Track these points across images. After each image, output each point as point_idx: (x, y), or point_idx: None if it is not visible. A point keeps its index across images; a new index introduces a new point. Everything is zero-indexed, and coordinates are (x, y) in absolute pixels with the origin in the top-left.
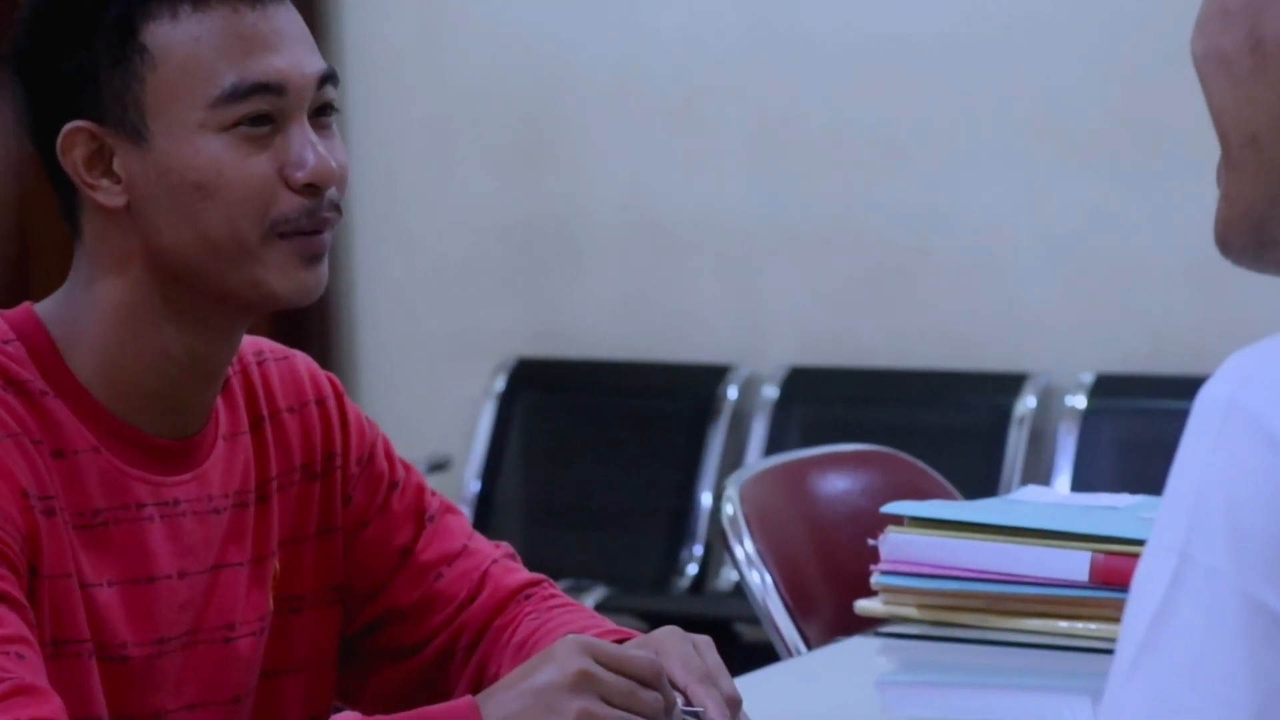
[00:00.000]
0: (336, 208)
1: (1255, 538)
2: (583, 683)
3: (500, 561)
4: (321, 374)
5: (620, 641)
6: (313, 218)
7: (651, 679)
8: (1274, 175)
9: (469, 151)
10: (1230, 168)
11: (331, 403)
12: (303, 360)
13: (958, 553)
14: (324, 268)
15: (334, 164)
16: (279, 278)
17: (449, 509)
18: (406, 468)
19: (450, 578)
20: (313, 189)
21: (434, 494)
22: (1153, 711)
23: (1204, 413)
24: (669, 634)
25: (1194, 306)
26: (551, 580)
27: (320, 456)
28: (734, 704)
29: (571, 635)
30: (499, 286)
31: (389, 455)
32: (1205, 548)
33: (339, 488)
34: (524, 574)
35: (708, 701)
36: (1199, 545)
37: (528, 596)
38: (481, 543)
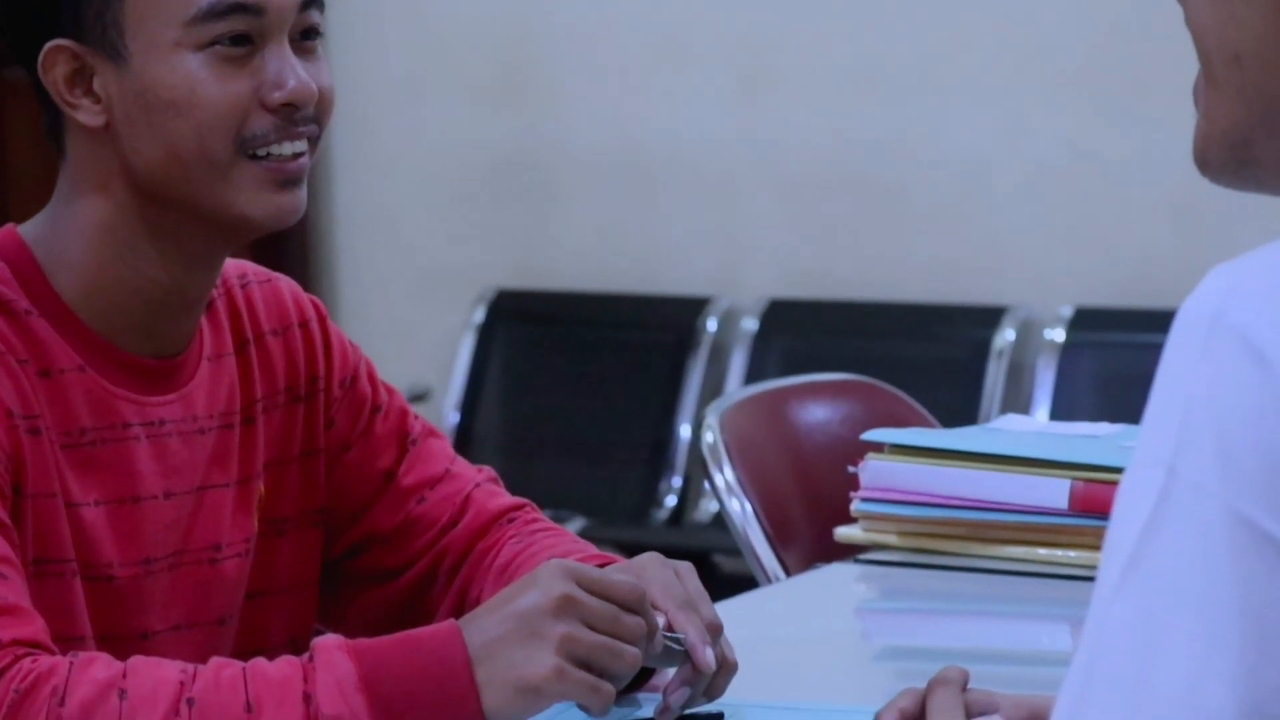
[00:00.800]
0: (316, 130)
1: (1243, 454)
2: (565, 607)
3: (483, 485)
4: (305, 297)
5: (602, 566)
6: (285, 133)
7: (634, 603)
8: (1256, 94)
9: (450, 83)
10: (1211, 87)
11: (315, 326)
12: (286, 283)
13: (938, 480)
14: (300, 193)
15: (313, 86)
16: (250, 200)
17: (431, 433)
18: (389, 391)
19: (432, 501)
20: (289, 109)
21: (416, 418)
22: (1138, 628)
23: (1189, 327)
24: (650, 559)
25: (1173, 240)
26: (534, 505)
27: (304, 379)
28: (715, 630)
29: (555, 560)
30: (479, 218)
31: (372, 379)
32: (1191, 463)
33: (322, 410)
34: (507, 498)
35: (688, 627)
36: (1185, 461)
37: (510, 520)
38: (464, 467)
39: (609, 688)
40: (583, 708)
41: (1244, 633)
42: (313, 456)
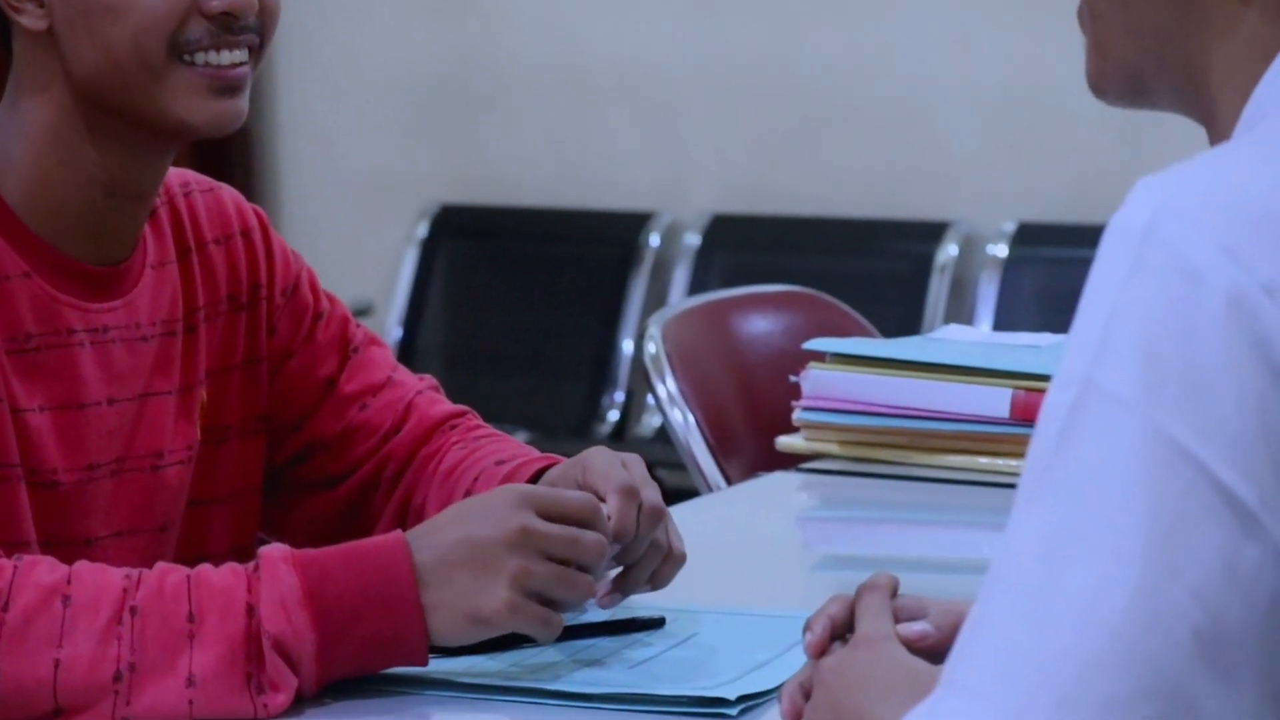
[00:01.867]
0: (258, 40)
1: (1168, 368)
2: (522, 539)
3: (425, 393)
4: (247, 206)
5: (548, 468)
6: (221, 41)
7: (589, 519)
8: (1143, 29)
9: None
10: (1098, 20)
11: (257, 235)
12: (229, 192)
13: (879, 389)
14: (240, 101)
15: None
16: (187, 106)
17: (373, 341)
18: (331, 300)
19: (375, 408)
20: (227, 17)
21: (358, 326)
22: (1047, 538)
23: (1118, 241)
24: (597, 451)
25: (1115, 155)
26: (475, 412)
27: (246, 287)
28: (656, 515)
29: (511, 485)
30: (423, 133)
31: (314, 287)
32: (1113, 375)
33: (264, 318)
34: (448, 405)
35: (617, 512)
36: (1105, 372)
37: (453, 427)
38: (405, 375)
39: (559, 620)
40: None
41: (1150, 546)
42: (255, 364)
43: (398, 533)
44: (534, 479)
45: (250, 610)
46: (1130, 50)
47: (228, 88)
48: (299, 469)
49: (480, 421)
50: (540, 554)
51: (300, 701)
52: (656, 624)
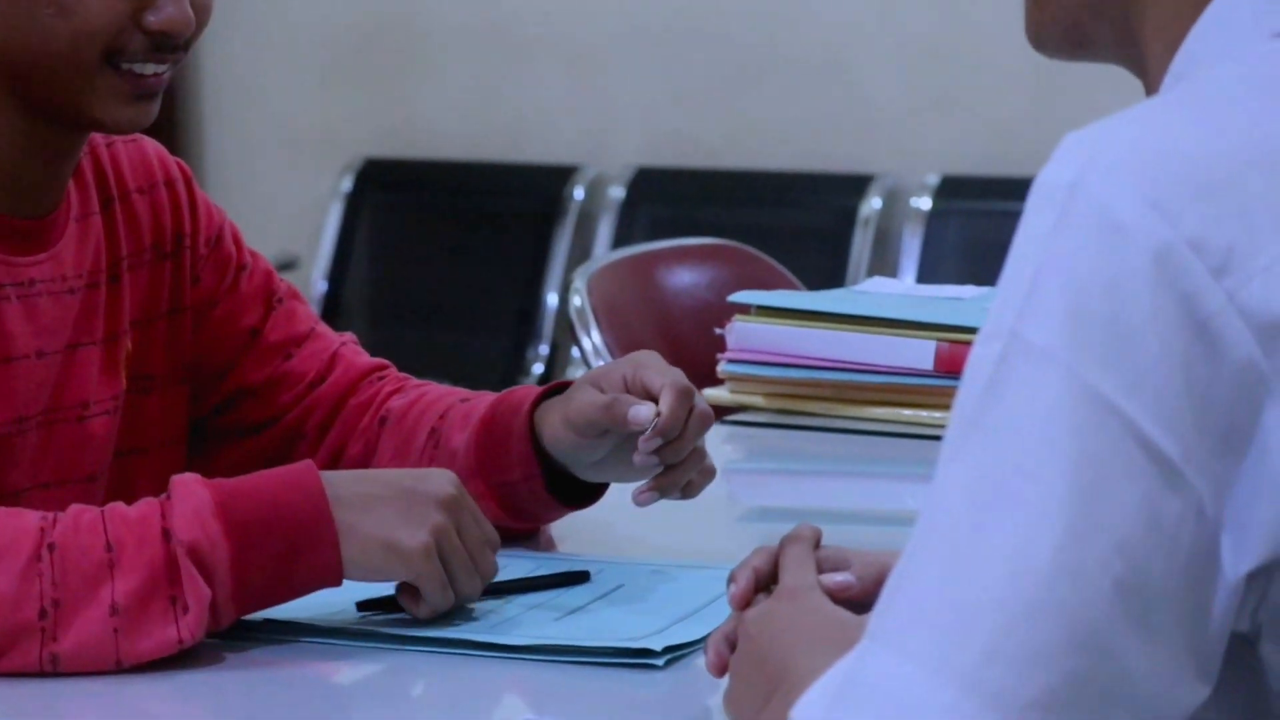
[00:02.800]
0: (184, 51)
1: (1094, 322)
2: (451, 505)
3: (348, 345)
4: (170, 158)
5: (546, 394)
6: (152, 57)
7: (497, 546)
8: None
9: None
10: None
11: (180, 185)
12: (151, 144)
13: (804, 341)
14: (155, 105)
15: (190, 17)
16: (106, 108)
17: (295, 295)
18: (254, 254)
19: (299, 357)
20: (163, 35)
21: (280, 280)
22: (972, 491)
23: (1044, 196)
24: (649, 353)
25: (1039, 108)
26: (394, 366)
27: (170, 236)
28: (706, 419)
29: (451, 473)
30: (347, 85)
31: (237, 240)
32: (1038, 328)
33: (188, 268)
34: (370, 358)
35: (669, 408)
36: (1031, 326)
37: (380, 377)
38: (327, 329)
39: (450, 598)
40: (408, 605)
41: (1074, 499)
42: (180, 314)
43: (307, 461)
44: (536, 403)
45: (166, 535)
46: (1068, 5)
47: (147, 93)
48: (223, 417)
49: (401, 374)
50: (457, 529)
51: (225, 652)
52: (582, 578)
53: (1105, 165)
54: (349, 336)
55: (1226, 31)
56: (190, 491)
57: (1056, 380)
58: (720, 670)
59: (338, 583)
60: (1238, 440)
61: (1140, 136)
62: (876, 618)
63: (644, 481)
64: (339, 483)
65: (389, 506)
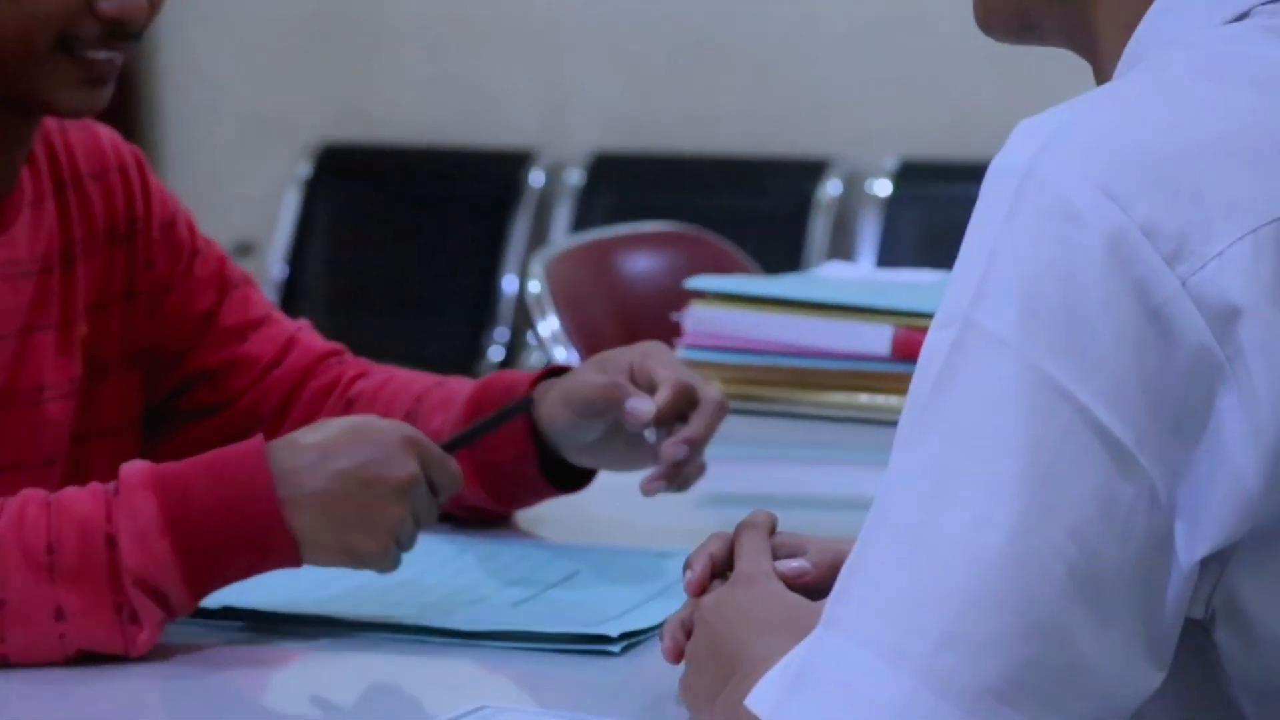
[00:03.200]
0: (137, 38)
1: (1048, 309)
2: (409, 493)
3: (304, 330)
4: (123, 143)
5: (543, 377)
6: (105, 44)
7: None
8: None
9: None
10: None
11: (133, 171)
12: (104, 129)
13: (761, 327)
14: (108, 90)
15: (143, 3)
16: (59, 92)
17: (249, 281)
18: (207, 241)
19: (255, 341)
20: (118, 23)
21: (234, 265)
22: (927, 477)
23: (999, 183)
24: (657, 344)
25: (996, 92)
26: (348, 349)
27: (123, 221)
28: (723, 409)
29: (404, 428)
30: (305, 69)
31: (190, 226)
32: (992, 315)
33: (142, 252)
34: (325, 342)
35: (666, 402)
36: (985, 313)
37: (340, 361)
38: (282, 315)
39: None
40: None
41: (1028, 485)
42: (134, 299)
43: (256, 444)
44: (535, 383)
45: (110, 541)
46: None
47: (101, 78)
48: (179, 400)
49: (358, 358)
50: (410, 510)
51: (175, 647)
52: (525, 405)
53: (1059, 152)
54: (304, 323)
55: (1179, 17)
56: (136, 502)
57: (1010, 367)
58: (676, 657)
59: (298, 565)
60: (1191, 426)
61: (1094, 123)
62: (832, 605)
63: (652, 471)
64: (291, 476)
65: (346, 507)
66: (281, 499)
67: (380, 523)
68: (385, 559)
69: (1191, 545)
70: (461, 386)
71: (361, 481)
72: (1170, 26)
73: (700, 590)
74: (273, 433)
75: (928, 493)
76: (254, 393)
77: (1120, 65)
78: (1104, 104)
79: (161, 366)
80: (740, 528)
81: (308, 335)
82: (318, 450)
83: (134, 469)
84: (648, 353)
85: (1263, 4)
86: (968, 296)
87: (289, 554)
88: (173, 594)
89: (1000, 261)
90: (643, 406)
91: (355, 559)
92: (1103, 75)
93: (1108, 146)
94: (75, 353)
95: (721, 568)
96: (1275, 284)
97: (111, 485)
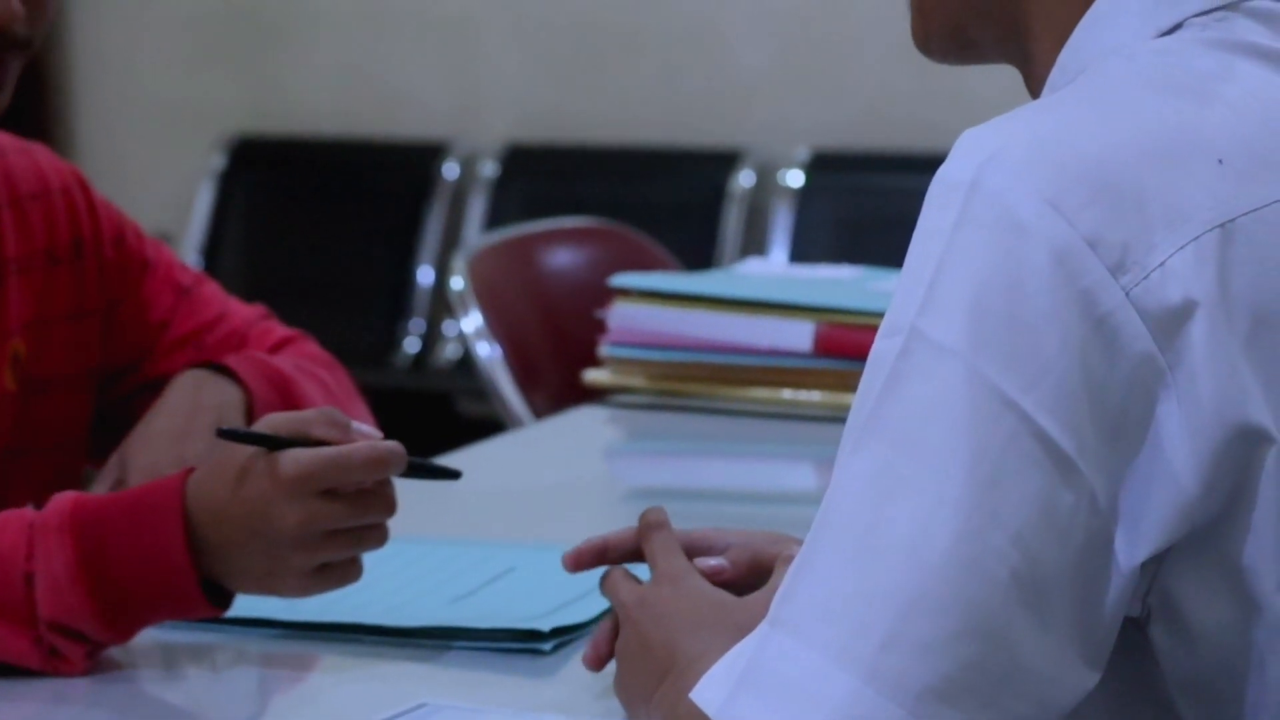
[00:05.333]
0: (26, 44)
1: (994, 320)
2: (308, 532)
3: (258, 324)
4: (63, 165)
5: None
6: None
7: (375, 472)
8: None
9: None
10: None
11: (77, 192)
12: (42, 151)
13: (685, 324)
14: (2, 94)
15: (14, 10)
16: None
17: (202, 279)
18: (157, 246)
19: (209, 345)
20: None
21: (184, 268)
22: (873, 482)
23: (944, 194)
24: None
25: (908, 82)
26: (307, 335)
27: (66, 242)
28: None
29: (290, 464)
30: (218, 61)
31: (138, 236)
32: (938, 325)
33: (92, 271)
34: (281, 331)
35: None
36: (931, 322)
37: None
38: (238, 307)
39: (358, 568)
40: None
41: (972, 491)
42: (82, 319)
43: (175, 485)
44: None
45: (29, 580)
46: (954, 8)
47: None
48: (133, 404)
49: (312, 344)
50: (327, 535)
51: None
52: (453, 475)
53: (1005, 164)
54: (260, 311)
55: (1114, 26)
56: (52, 547)
57: (956, 376)
58: (597, 663)
59: (222, 612)
60: (1132, 433)
61: (1038, 135)
62: (779, 605)
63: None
64: (201, 527)
65: (251, 556)
66: (194, 550)
67: (285, 569)
68: (314, 589)
69: (1132, 549)
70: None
71: (253, 533)
72: (1105, 38)
73: (576, 566)
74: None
75: (874, 497)
76: None
77: (1054, 74)
78: (1047, 116)
79: (116, 376)
80: (646, 528)
81: (261, 330)
82: (222, 499)
83: (58, 506)
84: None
85: (1194, 15)
86: (914, 306)
87: (206, 606)
88: (92, 634)
89: (947, 272)
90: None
91: (280, 595)
92: (1035, 84)
93: (1052, 158)
94: (3, 370)
95: (616, 557)
96: (1218, 289)
97: (39, 517)
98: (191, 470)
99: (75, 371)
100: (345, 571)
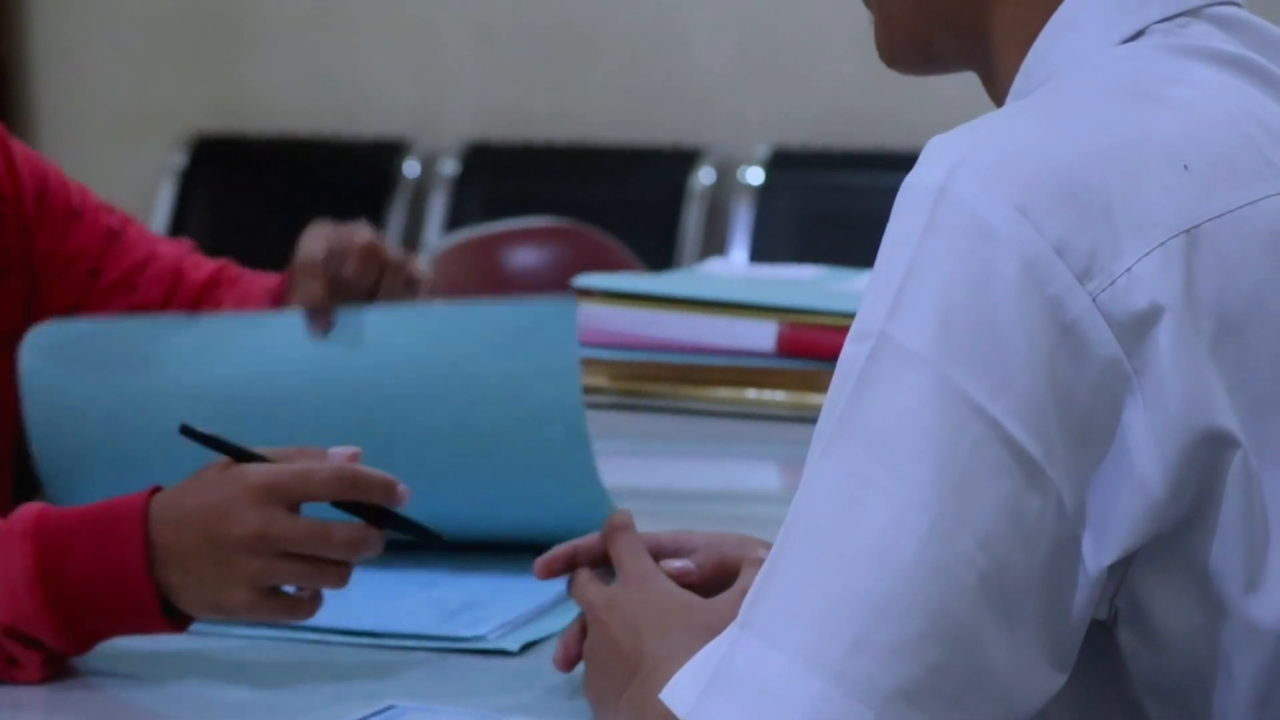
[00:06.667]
0: None
1: (963, 326)
2: (259, 543)
3: (187, 258)
4: None
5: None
6: None
7: (344, 493)
8: (928, 4)
9: None
10: (885, 0)
11: None
12: None
13: (649, 324)
14: None
15: None
16: None
17: (128, 221)
18: (82, 192)
19: (143, 287)
20: None
21: (111, 210)
22: (841, 486)
23: (913, 200)
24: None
25: (868, 79)
26: (233, 262)
27: None
28: (367, 254)
29: (253, 472)
30: (178, 60)
31: (62, 184)
32: (907, 331)
33: (14, 230)
34: (210, 263)
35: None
36: (900, 328)
37: (218, 284)
38: (165, 244)
39: (310, 606)
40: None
41: (940, 496)
42: (8, 276)
43: (141, 501)
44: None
45: None
46: (919, 20)
47: None
48: None
49: (239, 268)
50: (282, 555)
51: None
52: (438, 540)
53: (973, 170)
54: (187, 246)
55: (1077, 34)
56: (13, 554)
57: (924, 382)
58: (566, 665)
59: (180, 632)
60: (1099, 437)
61: (1006, 142)
62: (748, 607)
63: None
64: (167, 531)
65: (203, 563)
66: (152, 561)
67: (235, 578)
68: (260, 610)
69: (1099, 552)
70: (260, 278)
71: (209, 538)
72: (1069, 45)
73: (549, 573)
74: None
75: (843, 502)
76: None
77: (1018, 81)
78: (1015, 123)
79: None
80: (612, 531)
81: (191, 263)
82: (182, 507)
83: (23, 514)
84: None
85: (1156, 22)
86: (883, 311)
87: (161, 620)
88: (49, 642)
89: (916, 278)
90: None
91: (227, 614)
92: (999, 92)
93: (1021, 165)
94: None
95: (586, 560)
96: (1184, 295)
97: (3, 524)
98: (159, 488)
99: (6, 329)
100: (296, 605)
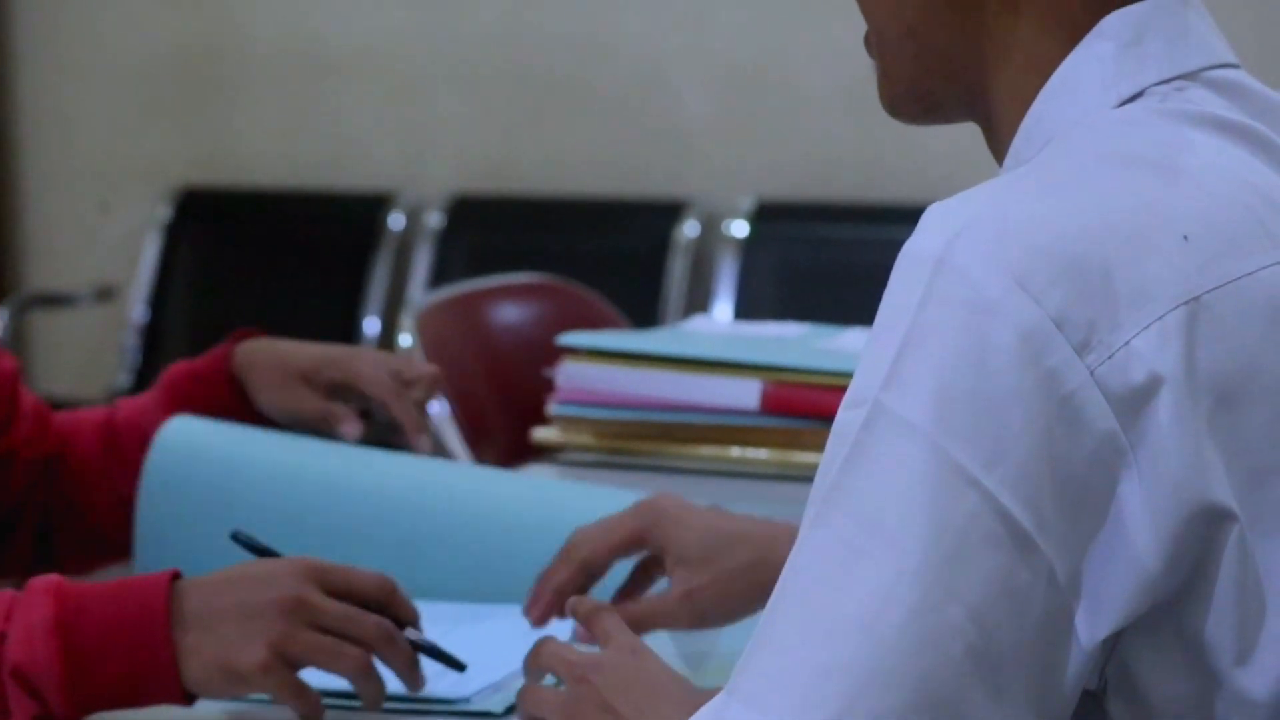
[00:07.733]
0: None
1: (959, 397)
2: (296, 609)
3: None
4: None
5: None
6: None
7: (381, 597)
8: (930, 55)
9: None
10: (887, 52)
11: None
12: None
13: (633, 382)
14: None
15: None
16: None
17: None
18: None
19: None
20: None
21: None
22: (832, 555)
23: (912, 268)
24: (363, 349)
25: (852, 133)
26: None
27: None
28: (435, 383)
29: (304, 560)
30: (164, 113)
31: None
32: (903, 401)
33: None
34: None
35: (400, 413)
36: (896, 398)
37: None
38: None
39: (315, 700)
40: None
41: (931, 566)
42: None
43: (168, 572)
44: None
45: (2, 638)
46: (920, 74)
47: None
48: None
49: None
50: (311, 626)
51: None
52: (458, 666)
53: (972, 241)
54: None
55: (1075, 95)
56: (34, 603)
57: (919, 452)
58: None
59: (185, 704)
60: (1094, 511)
61: (1005, 212)
62: (737, 674)
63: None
64: (194, 595)
65: (228, 623)
66: (172, 619)
67: (258, 637)
68: (272, 675)
69: (1093, 626)
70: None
71: (240, 599)
72: (1067, 107)
73: (542, 616)
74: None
75: (833, 570)
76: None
77: (1018, 141)
78: (1014, 192)
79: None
80: (596, 612)
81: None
82: (221, 574)
83: (42, 579)
84: (352, 365)
85: (1154, 85)
86: (878, 379)
87: (173, 684)
88: (50, 695)
89: (913, 348)
90: (351, 431)
91: (234, 675)
92: (999, 146)
93: (1020, 236)
94: None
95: (571, 592)
96: (1183, 367)
97: (23, 589)
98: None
99: None
100: (306, 693)
